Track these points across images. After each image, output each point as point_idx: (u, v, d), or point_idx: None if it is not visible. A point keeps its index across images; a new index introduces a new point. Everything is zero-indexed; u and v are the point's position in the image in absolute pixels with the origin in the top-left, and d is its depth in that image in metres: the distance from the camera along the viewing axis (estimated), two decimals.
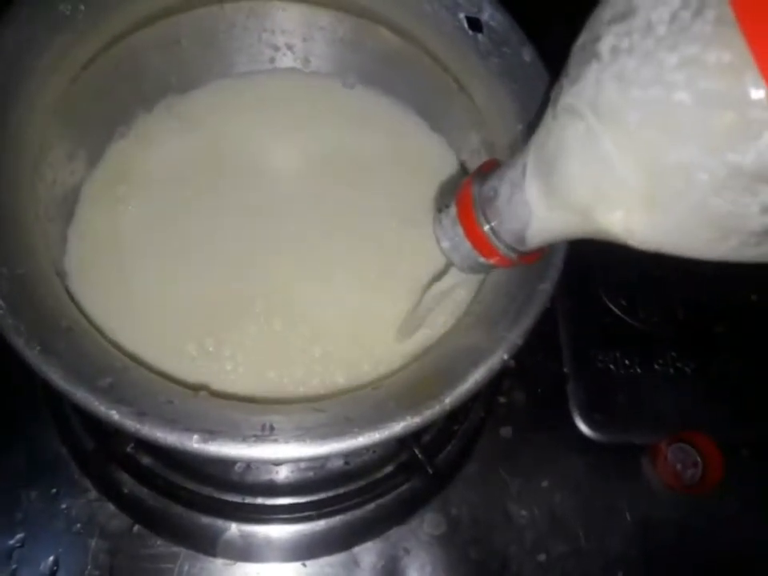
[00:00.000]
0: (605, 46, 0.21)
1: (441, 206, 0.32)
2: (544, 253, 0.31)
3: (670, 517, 0.48)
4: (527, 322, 0.32)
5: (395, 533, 0.45)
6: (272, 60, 0.49)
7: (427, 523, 0.46)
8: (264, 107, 0.49)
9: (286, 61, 0.49)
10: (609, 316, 0.54)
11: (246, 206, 0.44)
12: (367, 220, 0.45)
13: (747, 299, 0.55)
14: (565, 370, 0.52)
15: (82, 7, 0.36)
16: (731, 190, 0.20)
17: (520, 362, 0.50)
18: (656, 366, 0.52)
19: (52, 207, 0.41)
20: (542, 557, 0.46)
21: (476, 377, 0.31)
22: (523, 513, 0.47)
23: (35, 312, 0.30)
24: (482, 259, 0.30)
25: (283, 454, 0.29)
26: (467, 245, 0.30)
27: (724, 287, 0.55)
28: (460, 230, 0.30)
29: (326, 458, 0.33)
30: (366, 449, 0.45)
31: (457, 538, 0.46)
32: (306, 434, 0.29)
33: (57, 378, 0.28)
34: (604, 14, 0.22)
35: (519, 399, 0.50)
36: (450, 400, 0.30)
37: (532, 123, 0.36)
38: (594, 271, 0.55)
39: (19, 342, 0.28)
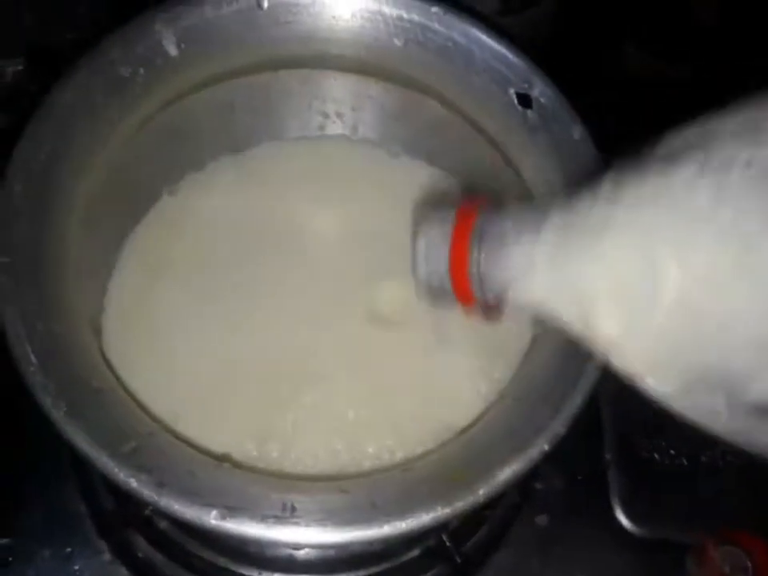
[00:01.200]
0: (716, 162, 0.19)
1: (439, 216, 0.29)
2: (502, 317, 0.29)
3: None
4: (572, 409, 0.31)
5: None
6: (321, 127, 0.50)
7: None
8: (311, 172, 0.49)
9: (335, 128, 0.50)
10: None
11: (286, 277, 0.44)
12: (408, 294, 0.44)
13: None
14: (606, 456, 0.49)
15: (141, 71, 0.38)
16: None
17: (559, 446, 0.48)
18: (703, 459, 0.49)
19: (96, 262, 0.41)
20: None
21: (513, 467, 0.29)
22: None
23: (66, 371, 0.30)
24: (447, 285, 0.28)
25: (303, 538, 0.27)
26: (443, 263, 0.28)
27: None
28: (445, 247, 0.28)
29: (346, 546, 0.31)
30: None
31: None
32: (328, 518, 0.27)
33: (80, 441, 0.28)
34: (727, 127, 0.20)
35: (557, 486, 0.47)
36: (483, 491, 0.28)
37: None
38: None
39: (47, 402, 0.28)
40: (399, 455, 0.38)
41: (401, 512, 0.28)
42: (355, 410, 0.39)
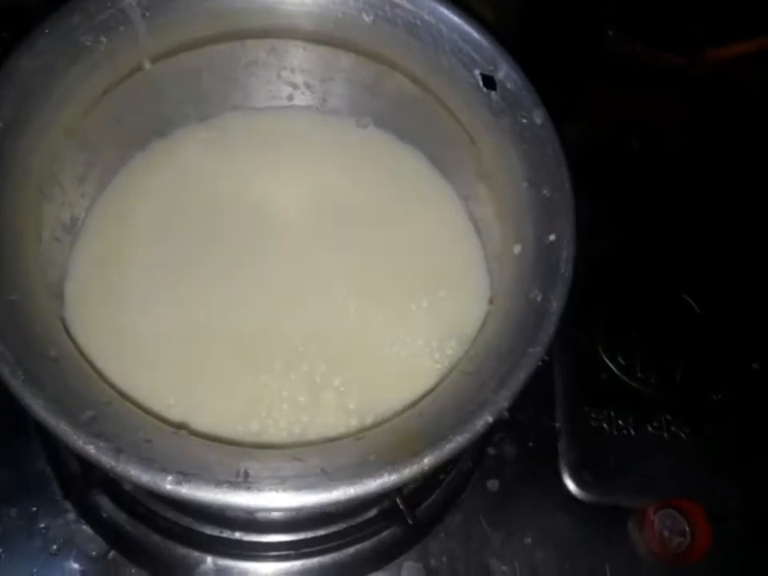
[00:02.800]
0: None
1: None
2: None
3: None
4: (515, 385, 0.32)
5: None
6: (290, 97, 0.50)
7: (406, 571, 0.45)
8: (278, 142, 0.49)
9: (304, 99, 0.50)
10: (606, 373, 0.53)
11: (251, 243, 0.44)
12: (372, 261, 0.45)
13: (748, 367, 0.55)
14: (557, 425, 0.51)
15: (103, 39, 0.37)
16: None
17: (512, 415, 0.50)
18: (650, 429, 0.51)
19: (59, 229, 0.41)
20: None
21: (458, 438, 0.31)
22: (504, 568, 0.46)
23: (24, 339, 0.30)
24: None
25: (255, 503, 0.28)
26: None
27: (725, 354, 0.55)
28: None
29: (299, 510, 0.33)
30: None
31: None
32: (280, 484, 0.29)
33: (38, 409, 0.28)
34: None
35: (508, 452, 0.50)
36: (429, 460, 0.30)
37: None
38: (593, 327, 0.55)
39: (4, 371, 0.29)
40: (355, 423, 0.39)
41: (350, 479, 0.29)
42: (318, 381, 0.40)
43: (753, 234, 0.60)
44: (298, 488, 0.29)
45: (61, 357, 0.31)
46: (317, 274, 0.44)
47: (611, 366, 0.53)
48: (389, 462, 0.30)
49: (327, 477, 0.29)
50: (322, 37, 0.44)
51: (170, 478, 0.28)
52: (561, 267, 0.35)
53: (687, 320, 0.56)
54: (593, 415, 0.52)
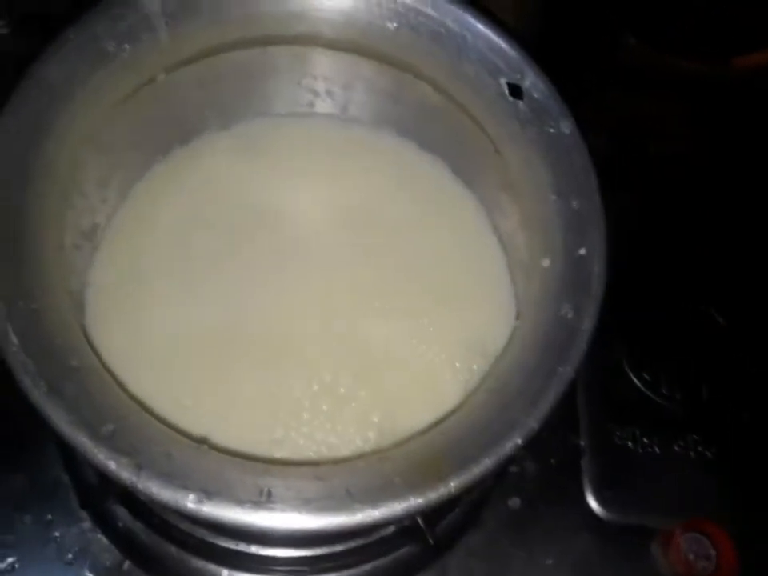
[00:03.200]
0: None
1: None
2: None
3: None
4: (545, 406, 0.31)
5: None
6: (311, 104, 0.49)
7: None
8: (299, 150, 0.49)
9: (325, 107, 0.49)
10: (631, 390, 0.52)
11: (273, 251, 0.44)
12: (394, 272, 0.45)
13: None
14: (581, 442, 0.50)
15: (127, 46, 0.37)
16: None
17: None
18: (676, 448, 0.50)
19: (79, 236, 0.41)
20: None
21: (486, 462, 0.30)
22: None
23: (45, 349, 0.30)
24: None
25: (278, 524, 0.28)
26: None
27: (753, 371, 0.53)
28: None
29: (320, 532, 0.32)
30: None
31: None
32: (303, 505, 0.28)
33: (59, 422, 0.28)
34: None
35: (530, 470, 0.49)
36: (455, 484, 0.29)
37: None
38: (618, 342, 0.53)
39: (26, 380, 0.28)
40: (377, 438, 0.38)
41: (374, 501, 0.28)
42: (338, 393, 0.40)
43: None
44: (322, 509, 0.28)
45: (81, 366, 0.30)
46: (339, 284, 0.44)
47: (636, 382, 0.52)
48: (414, 486, 0.29)
49: (351, 498, 0.28)
50: (345, 44, 0.44)
51: (191, 496, 0.27)
52: (592, 282, 0.34)
53: (714, 335, 0.55)
54: (617, 433, 0.50)
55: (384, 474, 0.30)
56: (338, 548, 0.44)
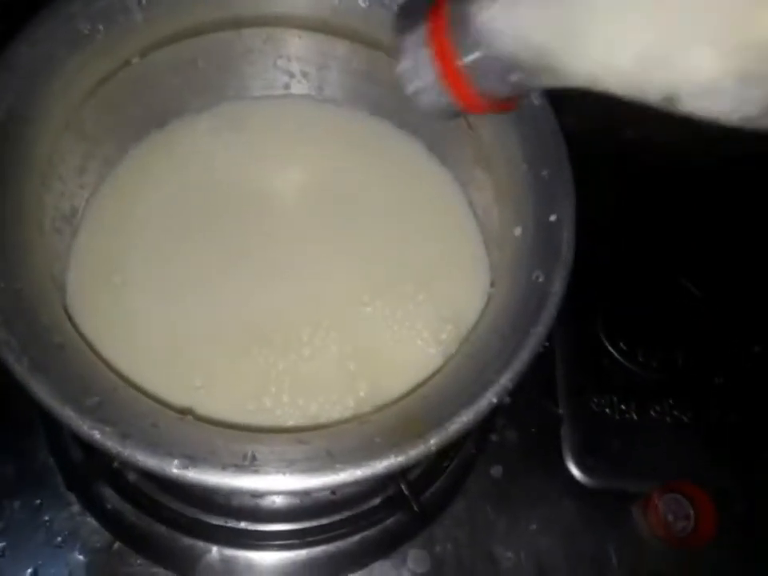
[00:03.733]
0: None
1: (403, 25, 0.25)
2: (520, 103, 0.26)
3: (658, 568, 0.47)
4: (518, 365, 0.32)
5: (378, 566, 0.45)
6: (286, 86, 0.50)
7: (411, 559, 0.45)
8: (275, 131, 0.49)
9: (300, 88, 0.50)
10: (607, 358, 0.53)
11: (252, 229, 0.44)
12: (372, 250, 0.45)
13: (749, 350, 0.55)
14: (559, 411, 0.51)
15: (101, 27, 0.37)
16: None
17: (514, 400, 0.50)
18: (652, 413, 0.52)
19: (59, 219, 0.41)
20: None
21: (463, 419, 0.31)
22: (509, 555, 0.46)
23: (29, 327, 0.30)
24: (445, 95, 0.25)
25: (263, 486, 0.28)
26: (429, 69, 0.24)
27: (726, 337, 0.55)
28: (426, 50, 0.24)
29: (303, 493, 0.33)
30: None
31: None
32: (287, 466, 0.29)
33: (43, 395, 0.28)
34: None
35: (511, 438, 0.50)
36: (435, 441, 0.30)
37: None
38: (594, 312, 0.55)
39: (9, 357, 0.29)
40: (357, 407, 0.39)
41: (356, 460, 0.29)
42: (318, 368, 0.40)
43: (751, 217, 0.60)
44: (305, 470, 0.29)
45: (66, 344, 0.31)
46: (317, 261, 0.44)
47: (612, 351, 0.53)
48: (395, 444, 0.30)
49: (333, 459, 0.29)
50: (318, 24, 0.44)
51: (176, 462, 0.28)
52: (562, 248, 0.35)
53: (687, 304, 0.56)
54: (595, 400, 0.52)
55: (364, 436, 0.31)
56: (326, 520, 0.45)
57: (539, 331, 0.33)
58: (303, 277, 0.44)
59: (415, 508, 0.43)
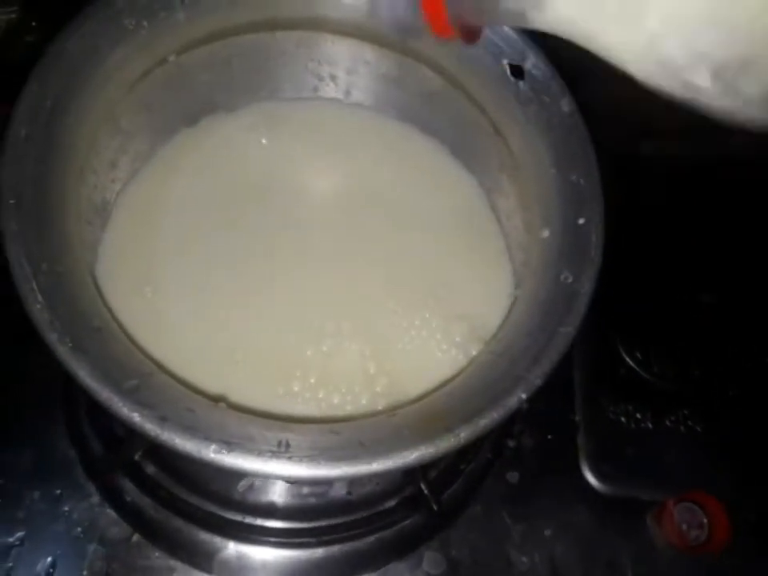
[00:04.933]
0: None
1: None
2: (481, 35, 0.26)
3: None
4: (548, 363, 0.33)
5: (393, 568, 0.45)
6: (315, 89, 0.51)
7: (426, 561, 0.45)
8: (303, 133, 0.50)
9: (329, 91, 0.51)
10: (623, 368, 0.54)
11: (278, 228, 0.45)
12: (395, 252, 0.46)
13: (763, 363, 0.55)
14: (576, 418, 0.51)
15: (145, 23, 0.38)
16: None
17: (531, 407, 0.50)
18: (667, 423, 0.52)
19: (90, 211, 0.42)
20: None
21: (493, 414, 0.31)
22: (524, 560, 0.46)
23: (69, 310, 0.31)
24: (413, 12, 0.24)
25: (297, 472, 0.29)
26: None
27: (741, 349, 0.55)
28: None
29: (337, 480, 0.33)
30: (371, 478, 0.45)
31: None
32: (320, 454, 0.29)
33: (84, 376, 0.29)
34: None
35: (528, 444, 0.50)
36: (465, 434, 0.30)
37: None
38: (612, 322, 0.55)
39: (52, 338, 0.29)
40: (375, 404, 0.40)
41: (387, 451, 0.29)
42: (340, 362, 0.41)
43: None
44: (339, 459, 0.29)
45: (104, 328, 0.31)
46: (341, 260, 0.45)
47: (629, 361, 0.54)
48: (425, 436, 0.30)
49: (365, 449, 0.30)
50: (350, 28, 0.45)
51: (213, 446, 0.28)
52: (591, 250, 0.35)
53: (703, 316, 0.56)
54: (611, 409, 0.52)
55: (395, 428, 0.31)
56: (343, 519, 0.45)
57: (569, 331, 0.33)
58: (328, 274, 0.44)
59: (434, 506, 0.43)
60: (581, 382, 0.53)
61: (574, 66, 0.41)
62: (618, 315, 0.56)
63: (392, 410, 0.34)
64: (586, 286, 0.34)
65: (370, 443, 0.30)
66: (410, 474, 0.43)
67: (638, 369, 0.54)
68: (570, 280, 0.35)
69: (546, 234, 0.38)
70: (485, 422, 0.31)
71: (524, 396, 0.32)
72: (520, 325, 0.36)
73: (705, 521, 0.47)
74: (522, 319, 0.36)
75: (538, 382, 0.32)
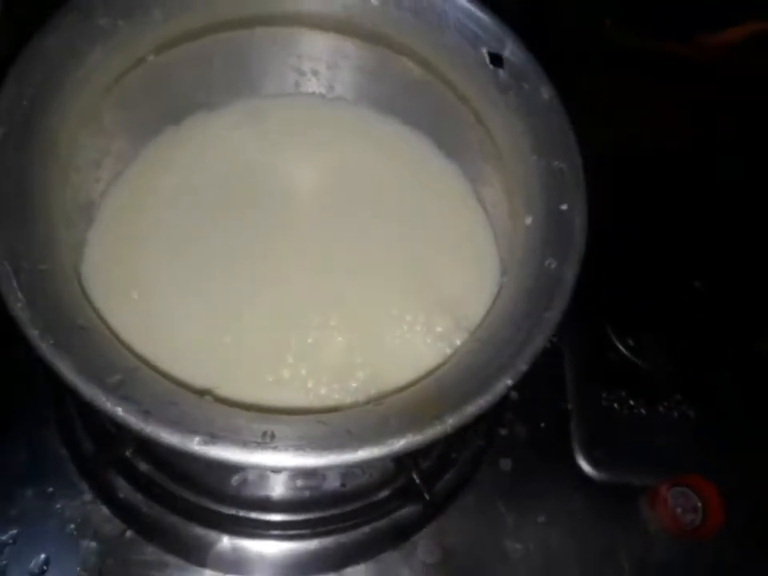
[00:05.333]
0: None
1: None
2: None
3: (666, 561, 0.47)
4: (533, 349, 0.33)
5: (388, 557, 0.45)
6: (297, 84, 0.51)
7: (421, 550, 0.46)
8: (287, 129, 0.50)
9: (311, 86, 0.51)
10: (615, 354, 0.54)
11: (264, 223, 0.45)
12: (381, 243, 0.46)
13: (752, 347, 0.55)
14: (568, 406, 0.52)
15: (121, 23, 0.38)
16: None
17: (522, 395, 0.51)
18: (660, 408, 0.52)
19: (75, 212, 0.42)
20: None
21: (480, 401, 0.31)
22: (518, 547, 0.47)
23: (51, 308, 0.31)
24: None
25: (282, 462, 0.29)
26: None
27: (729, 333, 0.55)
28: None
29: (325, 470, 0.33)
30: (363, 470, 0.45)
31: (449, 567, 0.45)
32: (306, 444, 0.29)
33: (67, 371, 0.29)
34: None
35: (520, 432, 0.50)
36: (452, 421, 0.30)
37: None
38: (603, 308, 0.55)
39: (34, 335, 0.29)
40: (361, 394, 0.40)
41: (375, 439, 0.30)
42: (326, 353, 0.41)
43: (757, 216, 0.61)
44: (325, 447, 0.29)
45: (88, 326, 0.31)
46: (326, 254, 0.45)
47: (620, 347, 0.54)
48: (413, 423, 0.30)
49: (353, 437, 0.30)
50: (329, 22, 0.45)
51: (197, 438, 0.28)
52: (574, 234, 0.35)
53: (694, 300, 0.57)
54: (603, 395, 0.52)
55: (382, 416, 0.31)
56: (336, 511, 0.45)
57: (553, 315, 0.33)
58: (314, 267, 0.44)
59: (427, 497, 0.43)
60: (572, 369, 0.53)
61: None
62: (609, 302, 0.56)
63: (379, 399, 0.34)
64: (570, 271, 0.34)
65: (358, 431, 0.30)
66: (401, 464, 0.43)
67: (629, 355, 0.54)
68: (553, 266, 0.35)
69: (529, 221, 0.38)
70: (471, 408, 0.31)
71: (510, 382, 0.32)
72: (505, 312, 0.36)
73: (699, 504, 0.47)
74: (507, 306, 0.36)
75: (524, 367, 0.32)
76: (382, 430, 0.30)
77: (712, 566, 0.47)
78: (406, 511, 0.46)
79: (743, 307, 0.57)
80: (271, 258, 0.44)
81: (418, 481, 0.42)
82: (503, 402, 0.48)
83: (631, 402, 0.52)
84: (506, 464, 0.49)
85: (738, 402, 0.53)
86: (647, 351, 0.54)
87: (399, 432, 0.30)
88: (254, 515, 0.45)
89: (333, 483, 0.46)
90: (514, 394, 0.51)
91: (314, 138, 0.50)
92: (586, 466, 0.49)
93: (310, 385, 0.39)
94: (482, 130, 0.44)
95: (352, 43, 0.47)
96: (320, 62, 0.49)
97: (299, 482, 0.46)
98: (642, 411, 0.52)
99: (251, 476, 0.44)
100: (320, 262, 0.45)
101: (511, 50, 0.40)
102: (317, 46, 0.48)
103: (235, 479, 0.45)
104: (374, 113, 0.51)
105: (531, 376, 0.33)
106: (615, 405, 0.52)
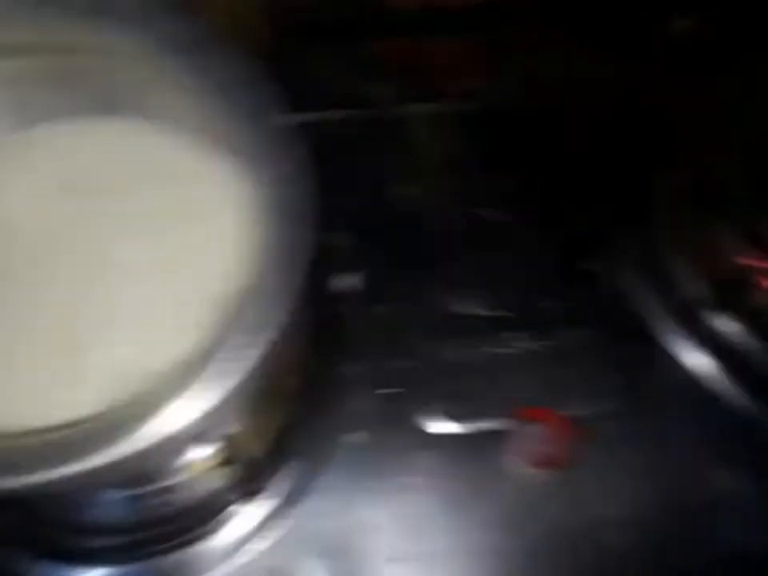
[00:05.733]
0: None
1: None
2: None
3: (530, 499, 0.46)
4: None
5: None
6: None
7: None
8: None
9: None
10: (440, 307, 0.52)
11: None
12: (127, 241, 0.43)
13: (574, 267, 0.54)
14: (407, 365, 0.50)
15: None
16: None
17: (359, 361, 0.49)
18: (499, 350, 0.51)
19: None
20: (401, 560, 0.44)
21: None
22: (382, 519, 0.45)
23: None
24: None
25: None
26: None
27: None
28: None
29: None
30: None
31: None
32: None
33: None
34: None
35: (368, 402, 0.48)
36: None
37: None
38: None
39: None
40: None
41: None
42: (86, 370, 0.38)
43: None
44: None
45: None
46: (77, 276, 0.42)
47: (444, 298, 0.52)
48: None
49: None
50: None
51: None
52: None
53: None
54: (441, 349, 0.50)
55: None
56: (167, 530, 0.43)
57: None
58: (62, 275, 0.41)
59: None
60: (402, 328, 0.51)
61: None
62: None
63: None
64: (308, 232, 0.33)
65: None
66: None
67: (455, 305, 0.52)
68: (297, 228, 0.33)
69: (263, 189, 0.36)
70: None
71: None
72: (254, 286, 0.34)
73: (551, 436, 0.47)
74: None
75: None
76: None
77: (570, 497, 0.46)
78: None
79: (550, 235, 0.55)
80: (29, 301, 0.42)
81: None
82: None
83: (468, 350, 0.50)
84: (354, 438, 0.47)
85: (580, 327, 0.51)
86: (469, 297, 0.52)
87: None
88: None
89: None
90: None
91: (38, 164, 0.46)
92: (436, 424, 0.48)
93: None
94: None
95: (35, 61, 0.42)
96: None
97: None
98: (483, 357, 0.50)
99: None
100: (77, 288, 0.42)
101: None
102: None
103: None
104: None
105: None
106: (452, 356, 0.50)
